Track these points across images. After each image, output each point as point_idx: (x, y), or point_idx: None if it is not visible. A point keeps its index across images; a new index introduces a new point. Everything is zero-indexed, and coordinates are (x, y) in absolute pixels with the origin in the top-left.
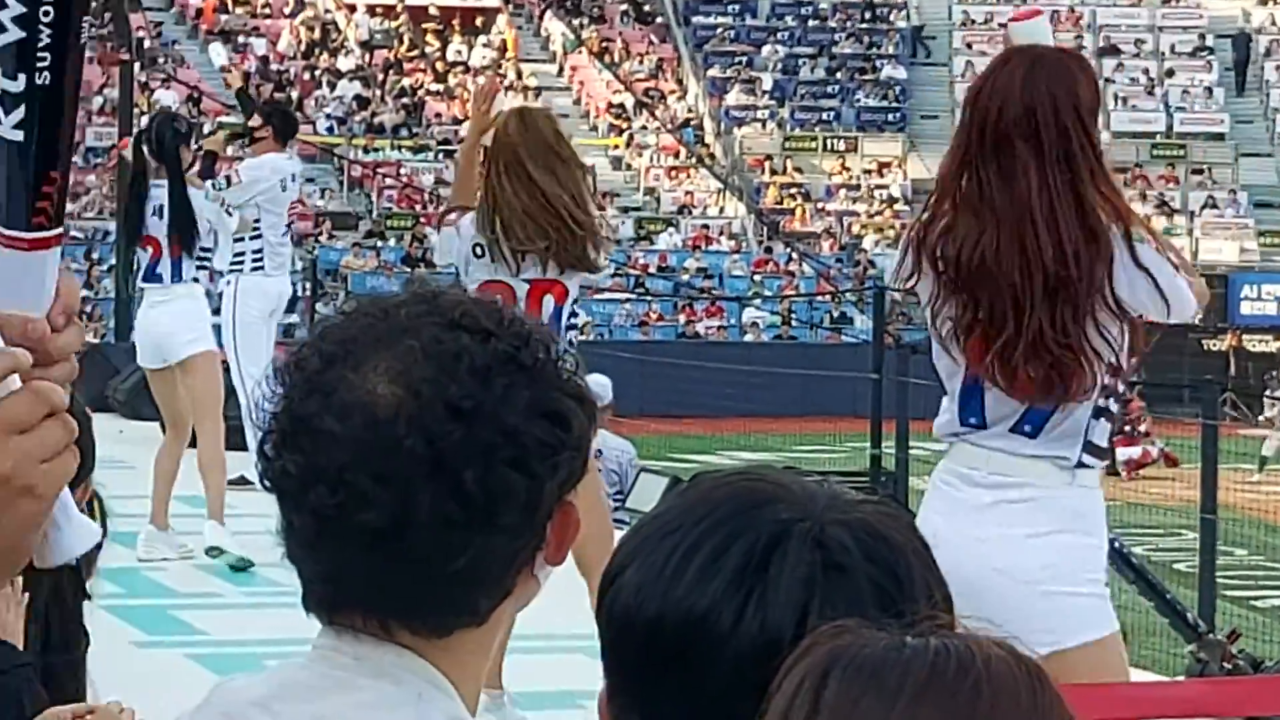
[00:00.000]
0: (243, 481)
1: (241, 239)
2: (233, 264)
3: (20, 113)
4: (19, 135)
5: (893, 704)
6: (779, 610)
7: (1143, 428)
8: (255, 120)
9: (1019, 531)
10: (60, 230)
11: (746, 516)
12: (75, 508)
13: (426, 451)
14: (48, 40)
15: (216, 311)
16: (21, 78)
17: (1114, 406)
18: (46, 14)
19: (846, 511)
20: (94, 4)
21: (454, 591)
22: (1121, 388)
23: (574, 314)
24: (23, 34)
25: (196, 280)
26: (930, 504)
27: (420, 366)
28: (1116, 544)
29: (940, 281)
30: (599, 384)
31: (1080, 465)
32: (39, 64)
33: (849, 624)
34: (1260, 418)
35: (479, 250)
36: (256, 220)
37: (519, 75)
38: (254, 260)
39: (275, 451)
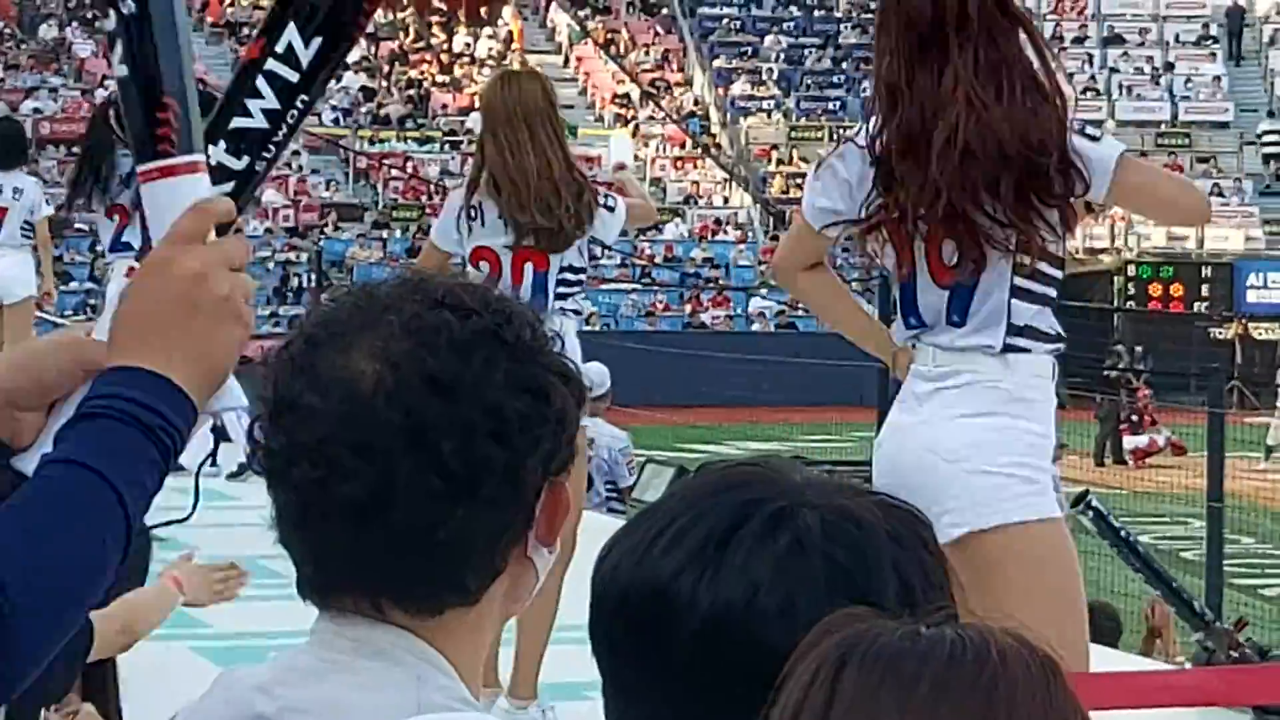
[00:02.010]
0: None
1: None
2: None
3: (228, 187)
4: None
5: (911, 694)
6: (729, 585)
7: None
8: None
9: (951, 412)
10: (187, 158)
11: (719, 497)
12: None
13: (404, 423)
14: (282, 136)
15: None
16: (246, 160)
17: (1040, 289)
18: (292, 116)
19: (827, 498)
20: None
21: (440, 567)
22: (1052, 270)
23: (565, 281)
24: (267, 126)
25: None
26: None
27: (400, 342)
28: (1123, 532)
29: (875, 180)
30: (596, 372)
31: (1010, 349)
32: (264, 153)
33: (860, 612)
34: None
35: (472, 213)
36: None
37: (524, 66)
38: None
39: (262, 433)
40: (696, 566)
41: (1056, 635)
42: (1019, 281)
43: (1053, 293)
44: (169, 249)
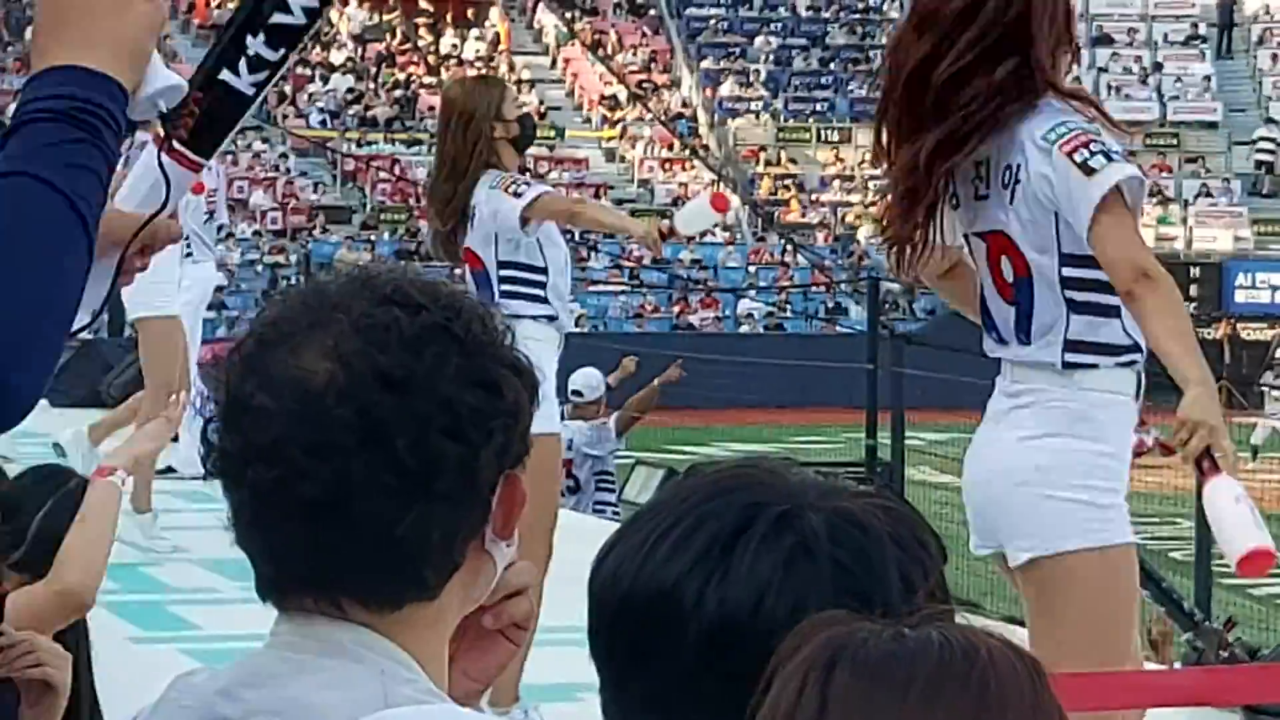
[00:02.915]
0: (169, 470)
1: None
2: None
3: (262, 76)
4: (251, 91)
5: (905, 697)
6: (737, 589)
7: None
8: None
9: (1019, 433)
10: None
11: (722, 500)
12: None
13: (358, 421)
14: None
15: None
16: (282, 51)
17: (1095, 298)
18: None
19: (828, 499)
20: None
21: (399, 563)
22: (1098, 275)
23: (512, 279)
24: (305, 21)
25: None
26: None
27: (351, 340)
28: None
29: None
30: (590, 378)
31: (1071, 366)
32: (297, 45)
33: (839, 615)
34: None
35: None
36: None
37: (511, 68)
38: (183, 249)
39: (217, 435)
40: (702, 570)
41: (1100, 658)
42: (1071, 294)
43: (1111, 300)
44: None
